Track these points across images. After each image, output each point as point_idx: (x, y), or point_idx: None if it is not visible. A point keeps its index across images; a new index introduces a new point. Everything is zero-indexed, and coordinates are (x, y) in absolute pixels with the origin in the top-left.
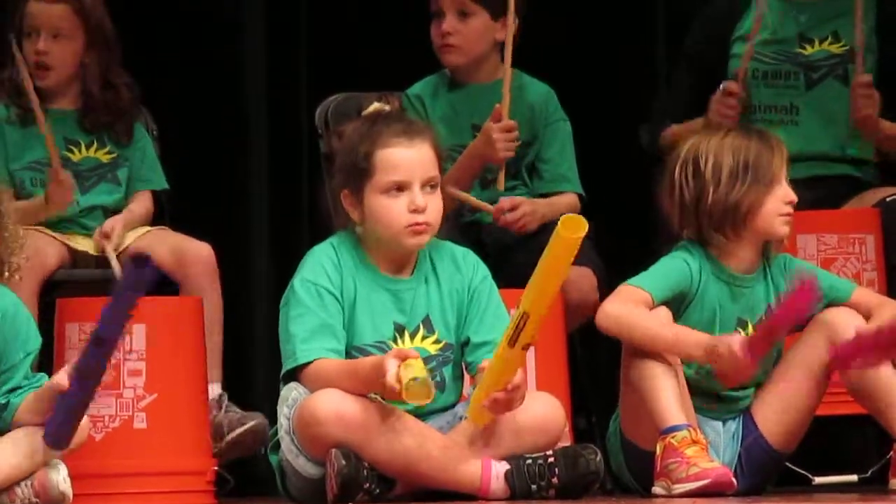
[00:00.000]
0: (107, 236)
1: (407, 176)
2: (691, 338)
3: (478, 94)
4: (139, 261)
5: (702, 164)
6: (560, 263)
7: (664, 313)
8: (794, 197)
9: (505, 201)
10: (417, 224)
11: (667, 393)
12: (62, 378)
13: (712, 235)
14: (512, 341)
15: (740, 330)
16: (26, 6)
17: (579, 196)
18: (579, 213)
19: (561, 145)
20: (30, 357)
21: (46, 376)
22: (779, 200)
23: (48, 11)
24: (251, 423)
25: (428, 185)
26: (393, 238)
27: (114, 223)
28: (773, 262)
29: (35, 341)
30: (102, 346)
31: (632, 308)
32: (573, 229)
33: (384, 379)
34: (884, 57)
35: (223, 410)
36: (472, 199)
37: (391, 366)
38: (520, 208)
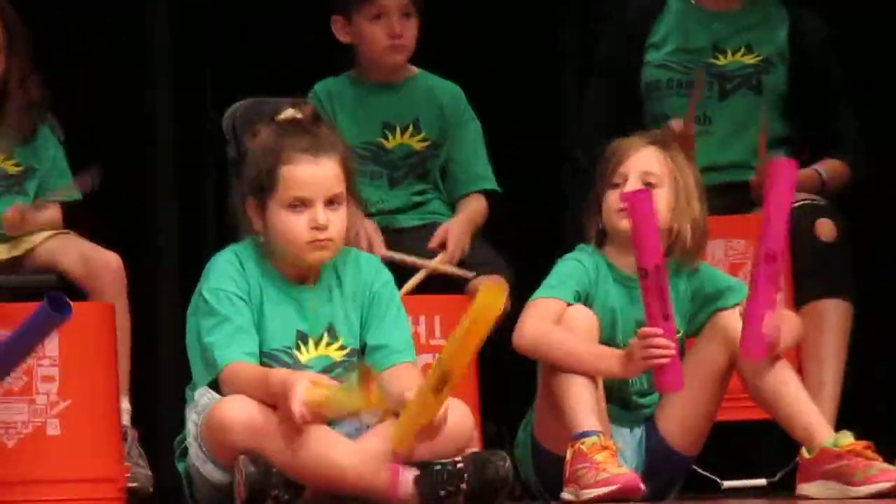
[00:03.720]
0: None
1: (309, 193)
2: (606, 351)
3: (388, 92)
4: (55, 300)
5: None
6: (481, 330)
7: (585, 320)
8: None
9: (437, 242)
10: (319, 241)
11: (582, 399)
12: None
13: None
14: (437, 391)
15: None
16: None
17: (492, 193)
18: (489, 209)
19: (473, 144)
20: None
21: None
22: (616, 196)
23: None
24: (132, 485)
25: (332, 201)
26: (294, 253)
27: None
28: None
29: None
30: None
31: (548, 327)
32: (495, 300)
33: (290, 403)
34: (794, 68)
35: (128, 446)
36: (415, 260)
37: (300, 390)
38: (449, 241)
